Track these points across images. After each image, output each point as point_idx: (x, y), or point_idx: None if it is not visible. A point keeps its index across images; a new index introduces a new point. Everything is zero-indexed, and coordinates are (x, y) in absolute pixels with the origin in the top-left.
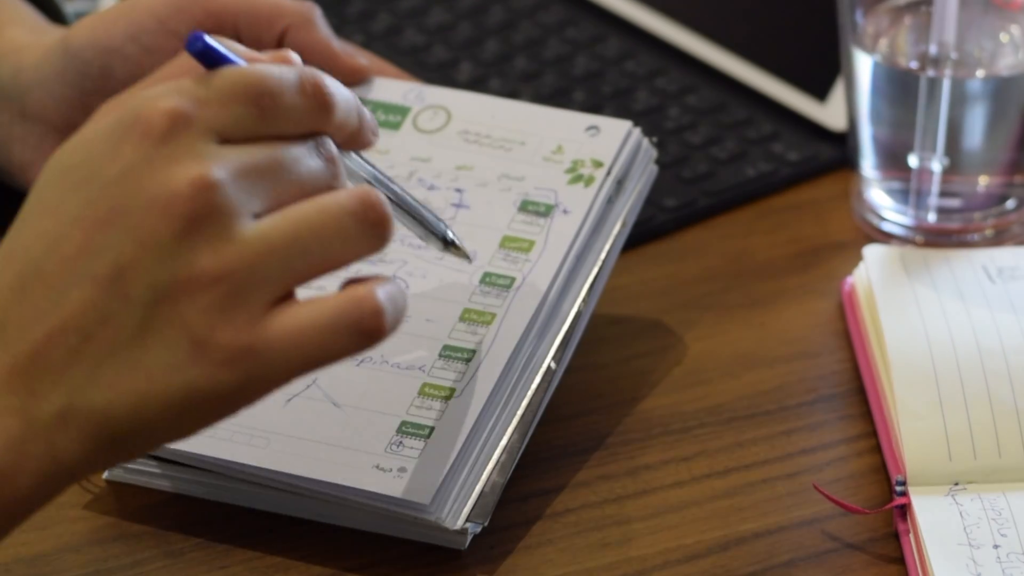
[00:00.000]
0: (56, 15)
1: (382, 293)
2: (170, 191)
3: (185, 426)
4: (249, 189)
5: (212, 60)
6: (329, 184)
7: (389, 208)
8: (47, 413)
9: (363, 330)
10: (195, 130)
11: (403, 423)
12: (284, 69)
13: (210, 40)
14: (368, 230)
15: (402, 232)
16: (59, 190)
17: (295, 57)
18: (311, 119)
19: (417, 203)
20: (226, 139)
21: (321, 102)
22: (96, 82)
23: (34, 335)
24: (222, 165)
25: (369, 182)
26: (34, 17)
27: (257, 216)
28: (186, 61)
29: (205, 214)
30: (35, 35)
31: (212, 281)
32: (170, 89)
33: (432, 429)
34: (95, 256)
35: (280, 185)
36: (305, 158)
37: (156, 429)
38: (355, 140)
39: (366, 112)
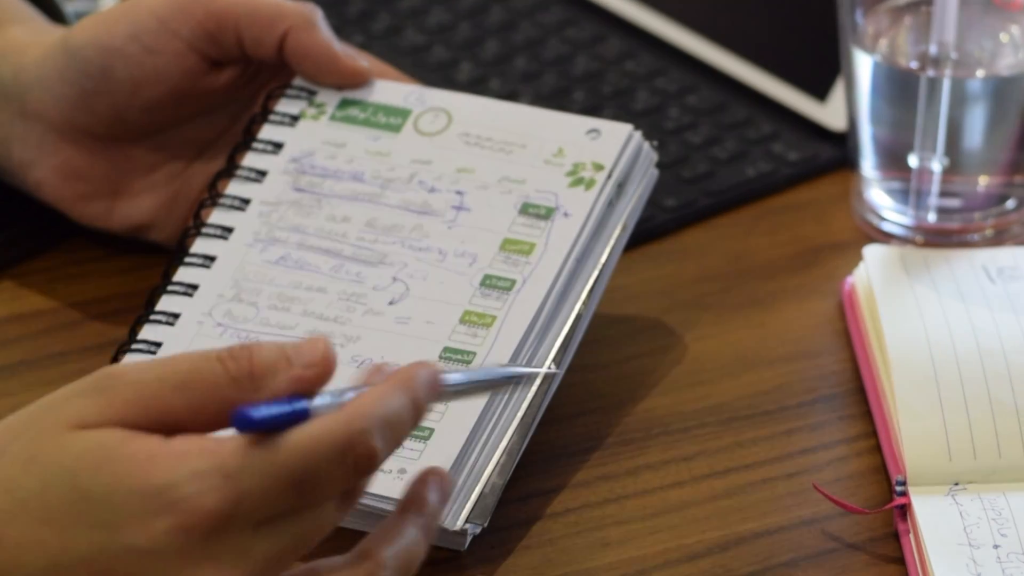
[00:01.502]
0: (56, 15)
1: None
2: None
3: None
4: (275, 565)
5: (262, 427)
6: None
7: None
8: None
9: None
10: (235, 527)
11: None
12: (329, 442)
13: (259, 412)
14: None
15: (404, 234)
16: (64, 505)
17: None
18: (350, 480)
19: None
20: (264, 521)
21: (365, 466)
22: (97, 82)
23: None
24: (254, 564)
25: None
26: (35, 17)
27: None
28: (219, 375)
29: None
30: (36, 34)
31: None
32: (216, 475)
33: (432, 431)
34: None
35: (301, 549)
36: (329, 512)
37: None
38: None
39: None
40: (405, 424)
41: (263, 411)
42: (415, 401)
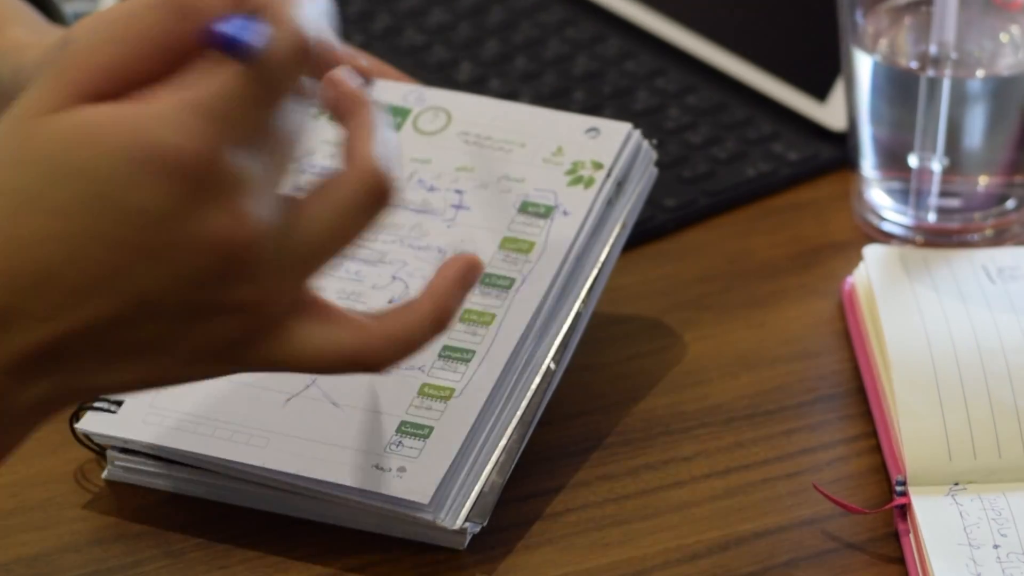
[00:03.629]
0: (56, 16)
1: (397, 344)
2: (212, 241)
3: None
4: (267, 190)
5: (231, 47)
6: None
7: (393, 179)
8: (35, 399)
9: (360, 369)
10: (223, 161)
11: (403, 423)
12: (284, 46)
13: (229, 26)
14: (377, 206)
15: (403, 232)
16: (65, 193)
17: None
18: (303, 73)
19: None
20: (246, 141)
21: (308, 56)
22: None
23: (44, 334)
24: (251, 189)
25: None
26: (34, 17)
27: (278, 211)
28: (161, 21)
29: (247, 260)
30: (36, 35)
31: (247, 308)
32: (188, 111)
33: (431, 429)
34: (123, 278)
35: (288, 151)
36: (296, 117)
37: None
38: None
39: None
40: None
41: (229, 26)
42: None
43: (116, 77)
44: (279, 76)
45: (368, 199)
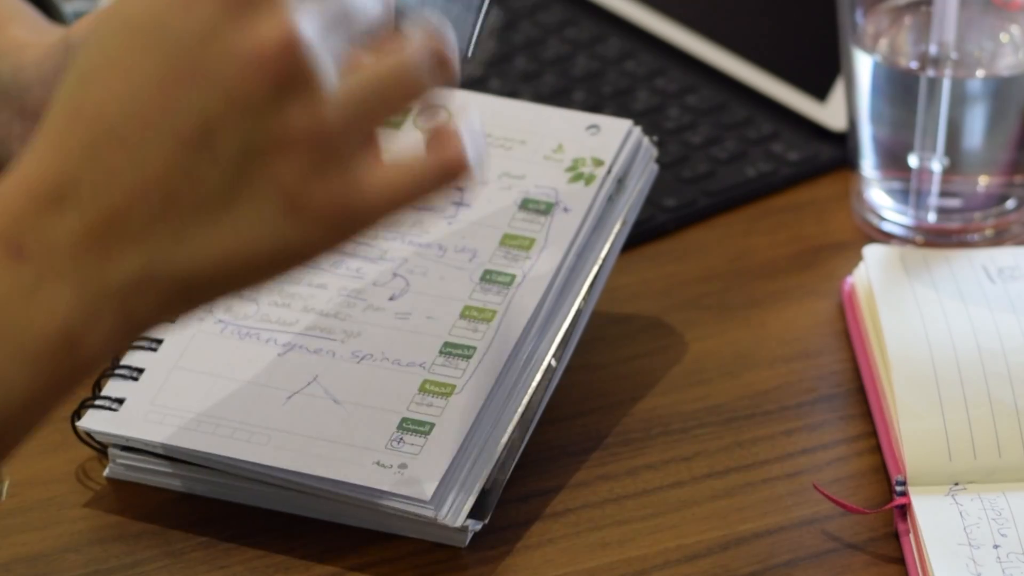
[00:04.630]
0: (56, 15)
1: (463, 142)
2: (259, 50)
3: (268, 279)
4: (331, 39)
5: None
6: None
7: (453, 49)
8: (124, 276)
9: (450, 181)
10: None
11: (404, 420)
12: None
13: None
14: (437, 74)
15: (403, 230)
16: (126, 49)
17: None
18: None
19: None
20: None
21: None
22: None
23: (112, 198)
24: (305, 18)
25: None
26: (35, 17)
27: (336, 60)
28: None
29: (295, 72)
30: (36, 34)
31: (305, 139)
32: None
33: (433, 426)
34: (179, 116)
35: (353, 30)
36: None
37: (237, 283)
38: None
39: None
40: None
41: None
42: None
43: None
44: None
45: (433, 60)
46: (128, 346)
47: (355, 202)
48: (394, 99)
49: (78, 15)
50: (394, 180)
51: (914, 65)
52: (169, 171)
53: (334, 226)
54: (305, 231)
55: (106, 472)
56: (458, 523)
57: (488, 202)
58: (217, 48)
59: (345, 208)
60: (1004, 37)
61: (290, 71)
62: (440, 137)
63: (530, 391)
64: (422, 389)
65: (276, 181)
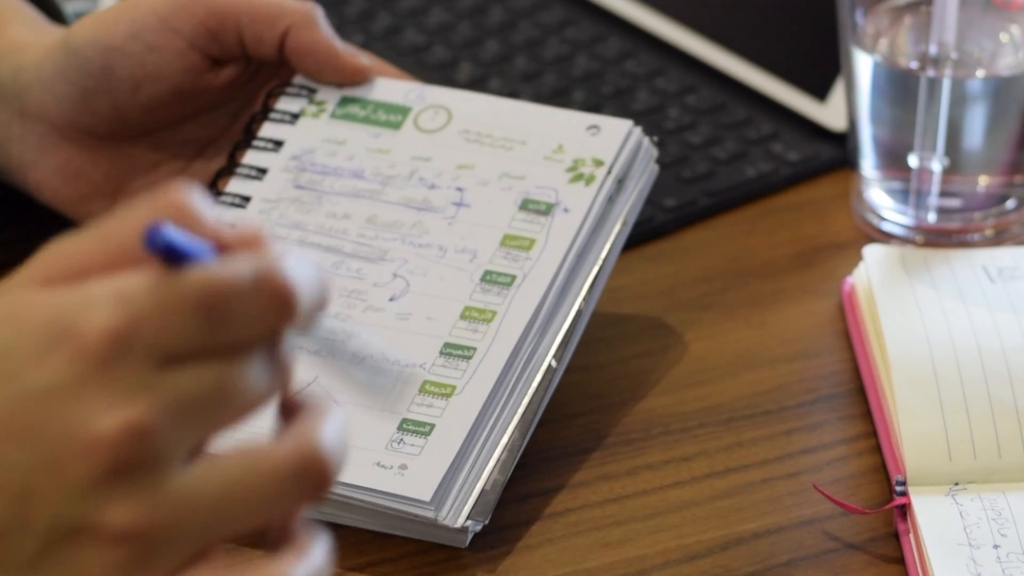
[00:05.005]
0: (57, 15)
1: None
2: (96, 432)
3: None
4: (187, 427)
5: (172, 256)
6: (272, 395)
7: (333, 465)
8: None
9: None
10: (134, 354)
11: (404, 420)
12: (246, 271)
13: (172, 235)
14: (305, 490)
15: (404, 231)
16: None
17: (263, 239)
18: (268, 323)
19: (366, 378)
20: (170, 357)
21: (280, 303)
22: (97, 80)
23: None
24: (160, 404)
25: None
26: (35, 17)
27: (187, 455)
28: (140, 222)
29: (130, 465)
30: (36, 34)
31: (122, 537)
32: (111, 297)
33: (433, 427)
34: (4, 468)
35: (223, 413)
36: (253, 373)
37: None
38: (313, 319)
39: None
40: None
41: (179, 235)
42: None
43: (77, 268)
44: (228, 303)
45: (297, 477)
46: None
47: None
48: (239, 521)
49: (79, 15)
50: None
51: (914, 65)
52: None
53: None
54: None
55: None
56: (458, 524)
57: (488, 202)
58: (57, 412)
59: None
60: (1004, 37)
61: (126, 462)
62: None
63: (530, 392)
64: (422, 390)
65: (78, 570)
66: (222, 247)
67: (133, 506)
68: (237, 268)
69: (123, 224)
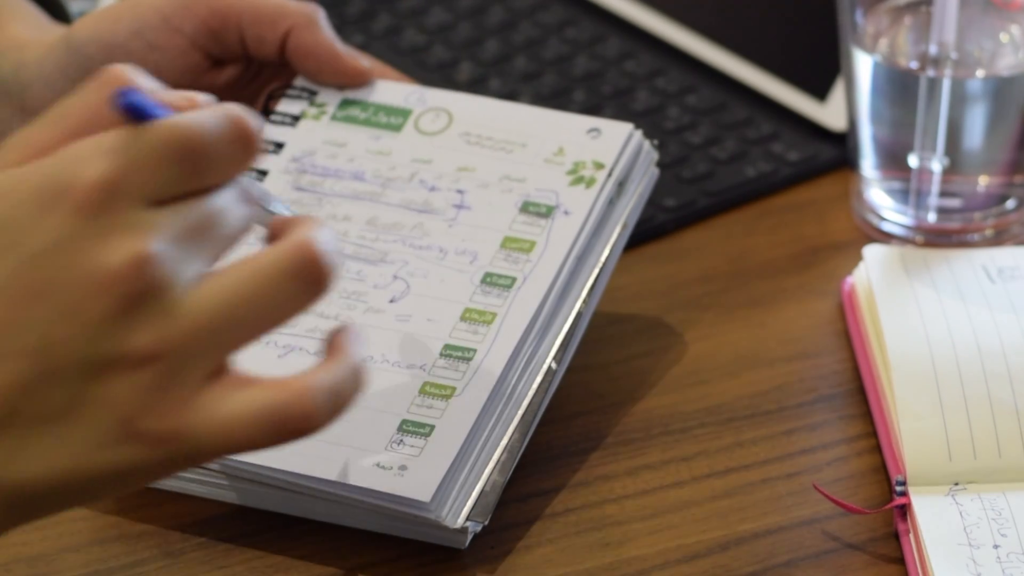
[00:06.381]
0: (61, 14)
1: (319, 392)
2: (107, 270)
3: (102, 496)
4: (185, 254)
5: (140, 115)
6: (251, 220)
7: (330, 258)
8: None
9: (289, 430)
10: (127, 199)
11: (404, 421)
12: (211, 117)
13: (138, 96)
14: (306, 288)
15: (404, 233)
16: None
17: (206, 99)
18: (238, 159)
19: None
20: (158, 200)
21: (247, 143)
22: None
23: None
24: (158, 236)
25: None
26: (37, 15)
27: (191, 279)
28: (93, 99)
29: (143, 291)
30: (38, 32)
31: (146, 359)
32: (96, 152)
33: (433, 428)
34: (23, 330)
35: (213, 241)
36: (232, 207)
37: (73, 499)
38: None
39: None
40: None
41: (143, 96)
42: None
43: (41, 149)
44: (203, 145)
45: (297, 273)
46: None
47: (187, 430)
48: (250, 326)
49: (81, 14)
50: (231, 415)
51: (914, 65)
52: (10, 385)
53: (167, 450)
54: (138, 453)
55: None
56: (458, 524)
57: (489, 205)
58: (66, 262)
59: (177, 434)
60: (1004, 37)
61: (139, 290)
62: (291, 386)
63: (530, 394)
64: (422, 391)
65: (112, 401)
66: (175, 108)
67: (152, 329)
68: (205, 115)
69: (76, 103)
